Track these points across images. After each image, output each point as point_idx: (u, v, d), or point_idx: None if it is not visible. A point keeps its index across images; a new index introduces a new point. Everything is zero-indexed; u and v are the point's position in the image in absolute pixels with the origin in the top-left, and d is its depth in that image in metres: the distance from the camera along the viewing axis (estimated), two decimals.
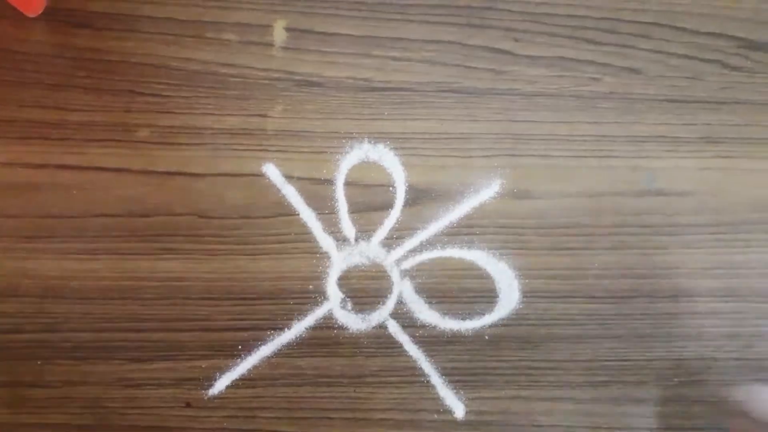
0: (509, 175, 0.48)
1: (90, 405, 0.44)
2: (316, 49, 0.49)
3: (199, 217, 0.46)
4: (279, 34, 0.49)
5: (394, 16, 0.49)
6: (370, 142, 0.48)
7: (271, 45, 0.49)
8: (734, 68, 0.50)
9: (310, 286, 0.46)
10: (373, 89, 0.49)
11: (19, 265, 0.45)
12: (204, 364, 0.45)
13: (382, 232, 0.47)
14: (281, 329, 0.45)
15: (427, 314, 0.46)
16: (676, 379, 0.47)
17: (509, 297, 0.47)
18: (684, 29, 0.51)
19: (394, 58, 0.49)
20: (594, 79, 0.50)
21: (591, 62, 0.50)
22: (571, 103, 0.49)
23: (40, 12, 0.48)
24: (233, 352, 0.45)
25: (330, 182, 0.47)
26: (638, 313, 0.47)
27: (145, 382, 0.44)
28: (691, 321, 0.48)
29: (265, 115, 0.48)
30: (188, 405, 0.44)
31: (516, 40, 0.50)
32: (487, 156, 0.48)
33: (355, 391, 0.45)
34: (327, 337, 0.45)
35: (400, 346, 0.46)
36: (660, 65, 0.50)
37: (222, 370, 0.45)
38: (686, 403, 0.47)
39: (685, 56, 0.51)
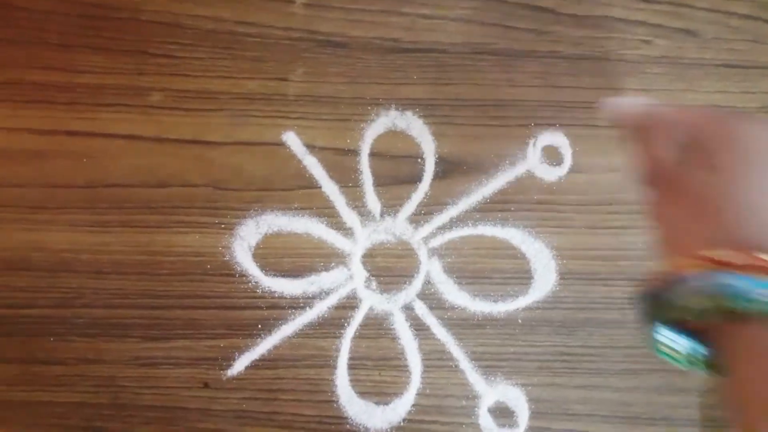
0: (549, 146, 0.45)
1: (104, 384, 0.42)
2: (341, 6, 0.45)
3: (216, 188, 0.44)
4: None
5: None
6: (397, 108, 0.45)
7: (291, 1, 0.45)
8: None
9: (333, 264, 0.43)
10: (402, 50, 0.45)
11: (28, 237, 0.43)
12: (223, 343, 0.43)
13: (409, 208, 0.44)
14: (303, 308, 0.43)
15: (456, 295, 0.44)
16: None
17: (545, 278, 0.44)
18: None
19: (425, 16, 0.45)
20: (644, 41, 0.46)
21: (641, 23, 0.46)
22: (618, 68, 0.45)
23: None
24: (253, 331, 0.43)
25: (354, 153, 0.44)
26: None
27: (161, 361, 0.43)
28: None
29: (285, 79, 0.44)
30: (206, 385, 0.43)
31: None
32: (525, 125, 0.45)
33: (380, 374, 0.43)
34: (351, 318, 0.43)
35: (428, 329, 0.43)
36: (718, 26, 0.46)
37: (241, 349, 0.43)
38: None
39: (747, 16, 0.46)
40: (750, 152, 0.25)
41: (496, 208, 0.44)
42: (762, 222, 0.23)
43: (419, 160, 0.45)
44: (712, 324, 0.23)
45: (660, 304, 0.24)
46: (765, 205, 0.24)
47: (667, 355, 0.26)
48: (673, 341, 0.26)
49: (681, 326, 0.25)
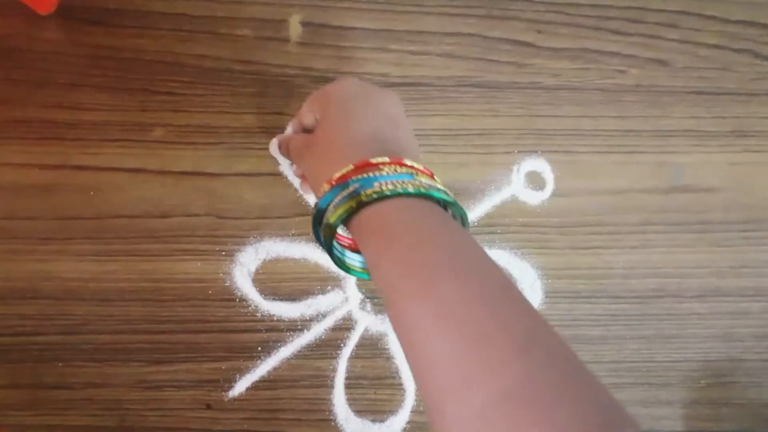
0: (532, 172, 0.47)
1: (111, 407, 0.44)
2: (333, 44, 0.48)
3: (217, 217, 0.46)
4: (294, 28, 0.48)
5: (411, 9, 0.48)
6: None
7: (286, 40, 0.48)
8: (766, 58, 0.49)
9: (329, 287, 0.45)
10: (391, 84, 0.47)
11: (37, 267, 0.45)
12: (224, 365, 0.44)
13: None
14: (301, 330, 0.45)
15: None
16: (703, 381, 0.46)
17: (531, 297, 0.46)
18: (713, 18, 0.49)
19: (412, 52, 0.48)
20: (619, 71, 0.48)
21: (616, 54, 0.48)
22: (595, 97, 0.48)
23: (53, 10, 0.47)
24: (253, 353, 0.44)
25: None
26: (664, 313, 0.46)
27: (165, 383, 0.44)
28: (718, 321, 0.46)
29: (281, 113, 0.47)
30: (209, 407, 0.44)
31: (539, 32, 0.48)
32: (508, 152, 0.47)
33: (375, 393, 0.45)
34: (347, 339, 0.45)
35: None
36: (688, 56, 0.49)
37: (242, 371, 0.44)
38: (714, 405, 0.46)
39: (715, 46, 0.49)
40: (341, 98, 0.34)
41: (483, 231, 0.47)
42: (358, 141, 0.31)
43: None
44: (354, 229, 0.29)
45: (323, 227, 0.29)
46: (357, 128, 0.32)
47: (354, 271, 0.33)
48: (351, 258, 0.32)
49: (353, 248, 0.32)
